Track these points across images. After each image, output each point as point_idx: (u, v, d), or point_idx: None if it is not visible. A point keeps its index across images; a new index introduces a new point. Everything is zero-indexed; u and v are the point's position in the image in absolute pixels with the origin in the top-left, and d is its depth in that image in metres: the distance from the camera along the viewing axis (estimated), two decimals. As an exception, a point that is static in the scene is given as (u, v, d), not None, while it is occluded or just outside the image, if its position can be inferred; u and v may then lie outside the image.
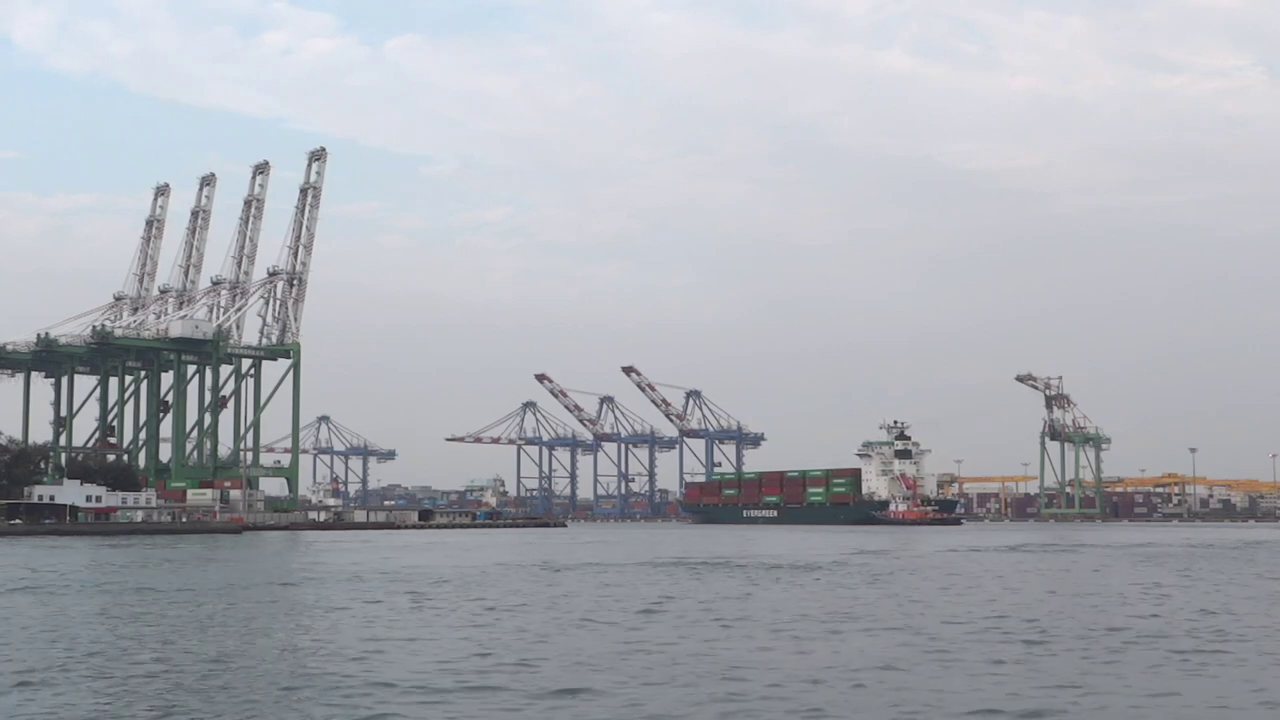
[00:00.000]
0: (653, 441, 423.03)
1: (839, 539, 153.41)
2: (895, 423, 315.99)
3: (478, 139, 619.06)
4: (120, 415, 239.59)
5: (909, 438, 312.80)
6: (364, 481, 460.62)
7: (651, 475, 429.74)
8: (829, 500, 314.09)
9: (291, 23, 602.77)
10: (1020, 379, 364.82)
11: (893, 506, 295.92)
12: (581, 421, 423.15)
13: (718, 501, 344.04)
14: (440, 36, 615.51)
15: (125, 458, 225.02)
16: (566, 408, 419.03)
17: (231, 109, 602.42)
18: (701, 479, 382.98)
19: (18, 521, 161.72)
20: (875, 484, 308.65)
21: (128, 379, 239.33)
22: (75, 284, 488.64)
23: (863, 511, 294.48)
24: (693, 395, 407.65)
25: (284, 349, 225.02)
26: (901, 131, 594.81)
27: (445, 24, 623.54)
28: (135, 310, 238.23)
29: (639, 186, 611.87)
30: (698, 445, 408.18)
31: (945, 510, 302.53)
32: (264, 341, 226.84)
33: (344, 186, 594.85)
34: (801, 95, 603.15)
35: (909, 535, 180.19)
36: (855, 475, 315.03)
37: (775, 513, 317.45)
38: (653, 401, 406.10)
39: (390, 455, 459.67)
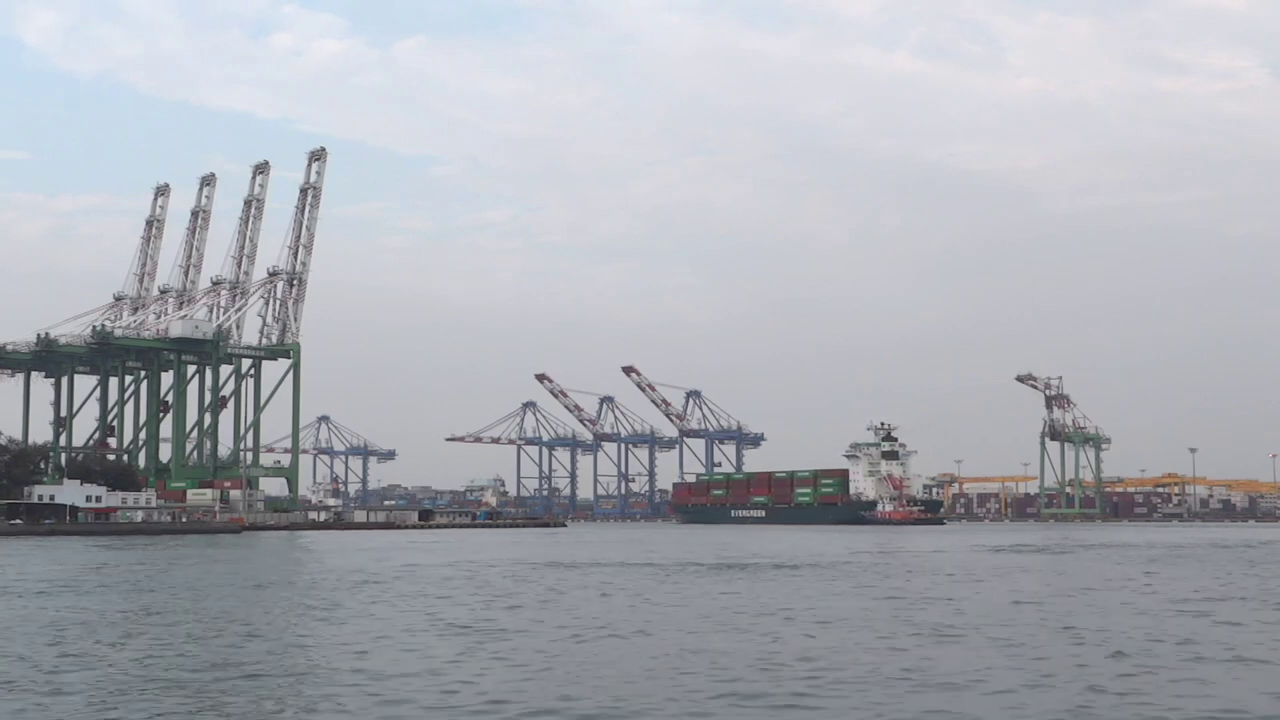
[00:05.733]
0: (653, 441, 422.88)
1: (816, 538, 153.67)
2: (882, 424, 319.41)
3: (484, 140, 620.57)
4: (120, 415, 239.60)
5: (896, 439, 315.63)
6: (364, 481, 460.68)
7: (651, 475, 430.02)
8: (817, 500, 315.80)
9: (300, 25, 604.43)
10: (1020, 379, 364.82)
11: (880, 507, 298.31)
12: (581, 421, 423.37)
13: (706, 502, 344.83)
14: (448, 38, 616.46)
15: (125, 458, 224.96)
16: (566, 408, 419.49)
17: (240, 110, 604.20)
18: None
19: (18, 521, 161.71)
20: (863, 484, 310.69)
21: (128, 379, 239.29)
22: (79, 284, 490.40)
23: (850, 511, 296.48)
24: (693, 395, 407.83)
25: (284, 349, 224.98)
26: (905, 133, 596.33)
27: (453, 25, 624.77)
28: (135, 310, 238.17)
29: (641, 188, 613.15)
30: (698, 445, 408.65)
31: (931, 510, 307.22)
32: (264, 341, 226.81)
33: (350, 187, 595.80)
34: (806, 97, 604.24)
35: (890, 536, 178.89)
36: (843, 476, 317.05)
37: (764, 513, 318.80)
38: (653, 401, 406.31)
39: (390, 455, 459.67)
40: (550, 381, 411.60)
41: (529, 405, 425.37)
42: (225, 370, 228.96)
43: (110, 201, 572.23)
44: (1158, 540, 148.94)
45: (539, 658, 32.49)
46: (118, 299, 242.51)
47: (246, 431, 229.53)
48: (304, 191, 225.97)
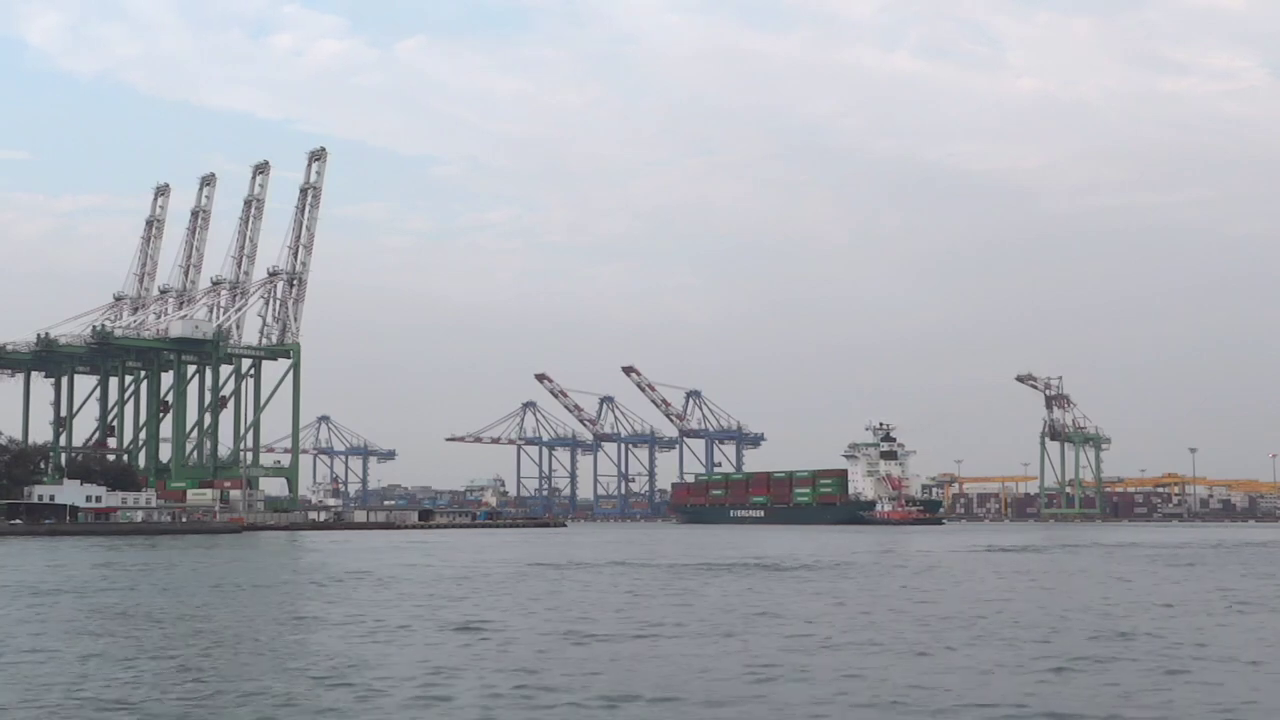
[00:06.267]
0: (653, 441, 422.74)
1: (812, 539, 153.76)
2: (881, 424, 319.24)
3: (485, 140, 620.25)
4: (120, 415, 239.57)
5: (894, 439, 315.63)
6: (364, 481, 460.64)
7: (651, 475, 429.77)
8: (816, 500, 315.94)
9: (301, 25, 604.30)
10: (1020, 379, 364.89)
11: (879, 507, 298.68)
12: (581, 421, 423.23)
13: (705, 502, 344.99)
14: (449, 38, 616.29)
15: (125, 458, 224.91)
16: (566, 408, 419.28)
17: (241, 110, 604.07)
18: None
19: (18, 521, 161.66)
20: (861, 484, 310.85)
21: (128, 379, 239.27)
22: (80, 285, 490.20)
23: (849, 511, 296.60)
24: (693, 395, 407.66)
25: (284, 349, 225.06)
26: (905, 133, 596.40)
27: (453, 25, 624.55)
28: (135, 310, 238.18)
29: (642, 188, 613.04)
30: (698, 445, 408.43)
31: (929, 510, 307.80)
32: (264, 341, 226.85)
33: (351, 187, 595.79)
34: (806, 97, 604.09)
35: (886, 536, 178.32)
36: (842, 476, 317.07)
37: (762, 513, 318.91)
38: (653, 401, 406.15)
39: (390, 455, 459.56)
40: (550, 381, 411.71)
41: (529, 405, 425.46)
42: (225, 370, 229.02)
43: (111, 201, 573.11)
44: (1154, 540, 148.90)
45: (533, 658, 32.64)
46: (118, 299, 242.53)
47: (246, 431, 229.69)
48: (304, 191, 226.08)
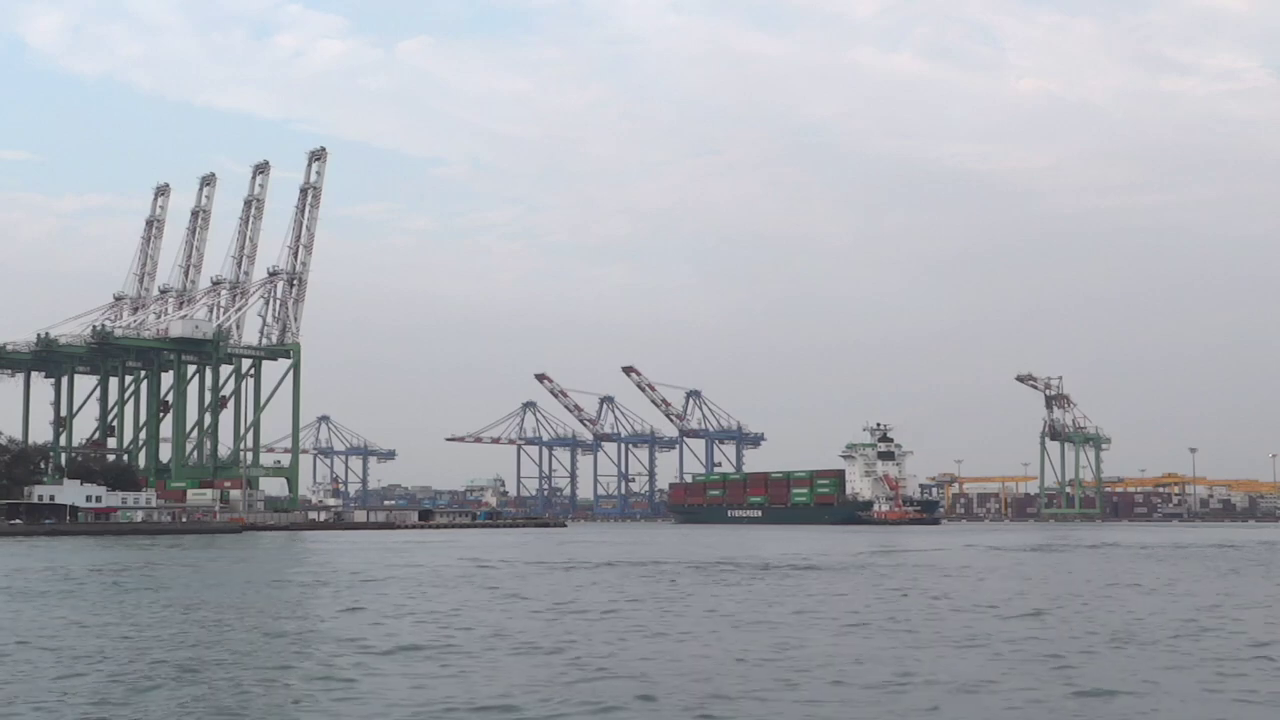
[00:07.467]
0: (653, 441, 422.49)
1: (806, 539, 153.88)
2: (878, 425, 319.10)
3: (488, 141, 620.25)
4: (120, 415, 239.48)
5: (891, 439, 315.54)
6: (364, 481, 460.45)
7: (652, 475, 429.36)
8: (813, 501, 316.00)
9: (303, 25, 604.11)
10: (1020, 379, 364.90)
11: (876, 507, 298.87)
12: (581, 421, 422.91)
13: (702, 502, 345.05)
14: (452, 38, 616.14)
15: (125, 458, 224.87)
16: (566, 408, 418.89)
17: (243, 111, 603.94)
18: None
19: (18, 521, 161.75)
20: (859, 485, 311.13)
21: (128, 379, 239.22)
22: (82, 285, 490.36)
23: (846, 512, 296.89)
24: (693, 395, 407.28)
25: (284, 349, 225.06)
26: (907, 133, 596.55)
27: (456, 26, 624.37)
28: (135, 310, 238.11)
29: (645, 188, 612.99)
30: (698, 445, 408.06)
31: (927, 510, 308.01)
32: (264, 341, 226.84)
33: (352, 188, 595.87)
34: (809, 98, 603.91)
35: (881, 536, 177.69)
36: (839, 476, 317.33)
37: (760, 513, 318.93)
38: (653, 401, 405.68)
39: (390, 455, 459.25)
40: (550, 381, 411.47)
41: (529, 405, 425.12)
42: (225, 370, 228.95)
43: (114, 202, 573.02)
44: (1144, 541, 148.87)
45: (529, 658, 32.73)
46: (118, 299, 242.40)
47: (246, 431, 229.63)
48: (304, 191, 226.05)
